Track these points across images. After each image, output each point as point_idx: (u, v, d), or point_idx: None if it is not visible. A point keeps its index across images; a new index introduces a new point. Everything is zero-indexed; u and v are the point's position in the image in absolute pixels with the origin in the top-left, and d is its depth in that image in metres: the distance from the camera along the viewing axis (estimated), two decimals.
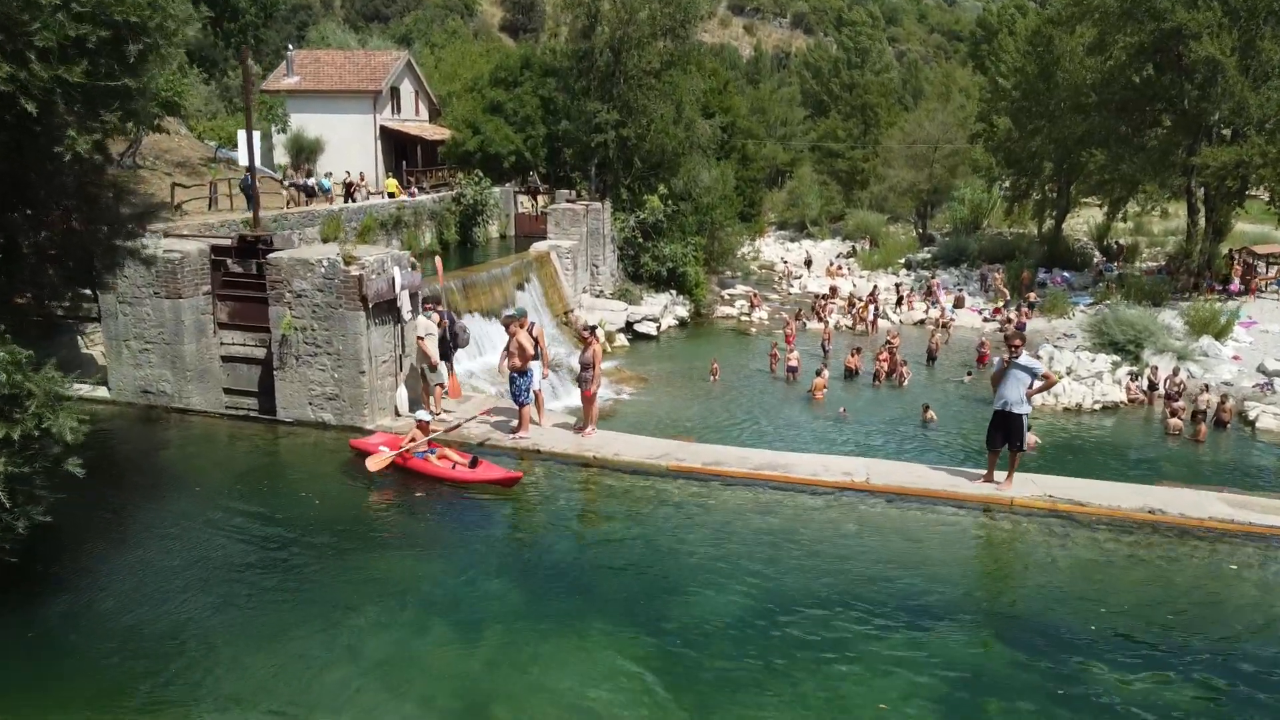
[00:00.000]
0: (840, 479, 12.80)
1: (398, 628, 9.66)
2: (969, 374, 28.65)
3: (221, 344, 15.79)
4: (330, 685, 8.72)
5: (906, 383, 27.44)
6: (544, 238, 31.70)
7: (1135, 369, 27.43)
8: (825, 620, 9.89)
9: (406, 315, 15.06)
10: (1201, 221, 34.94)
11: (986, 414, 26.28)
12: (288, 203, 28.52)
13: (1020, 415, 12.63)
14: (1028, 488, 12.58)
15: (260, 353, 15.44)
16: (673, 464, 13.30)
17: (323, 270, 14.35)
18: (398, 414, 15.11)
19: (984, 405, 26.20)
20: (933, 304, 35.48)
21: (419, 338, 14.98)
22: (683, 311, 34.60)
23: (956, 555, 11.53)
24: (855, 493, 12.64)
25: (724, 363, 29.31)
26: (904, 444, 22.11)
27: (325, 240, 26.66)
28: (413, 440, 13.17)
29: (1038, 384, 12.74)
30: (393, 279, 14.71)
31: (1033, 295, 34.85)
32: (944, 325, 33.77)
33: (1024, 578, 11.01)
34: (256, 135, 18.43)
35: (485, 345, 25.48)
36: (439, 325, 15.55)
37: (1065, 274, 38.04)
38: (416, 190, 34.56)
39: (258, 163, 18.52)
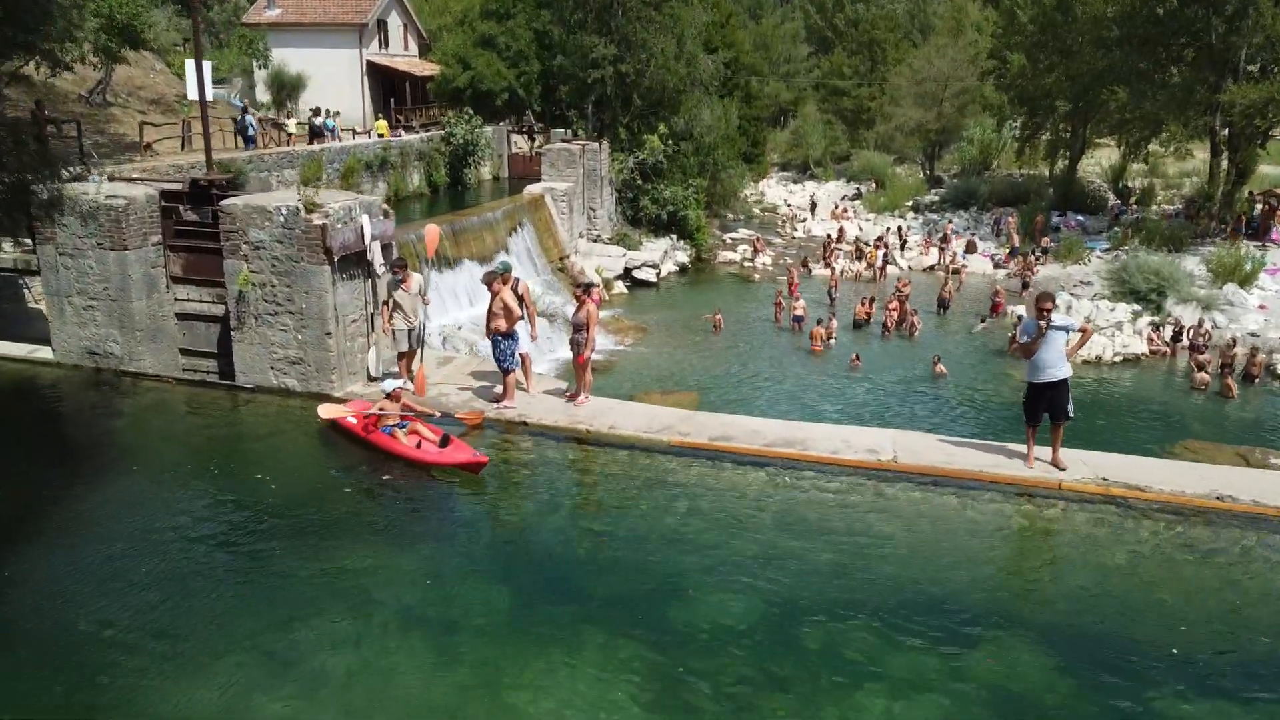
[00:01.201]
0: (863, 458, 11.15)
1: (362, 641, 8.10)
2: (982, 322, 26.96)
3: (176, 300, 14.03)
4: (279, 716, 7.20)
5: (918, 333, 25.78)
6: (538, 180, 29.78)
7: (1157, 319, 25.74)
8: (846, 631, 8.32)
9: (379, 269, 13.28)
10: (1225, 163, 32.91)
11: (1001, 367, 25.34)
12: (266, 143, 26.50)
13: (1065, 380, 11.00)
14: (1078, 469, 10.93)
15: (219, 310, 13.68)
16: (675, 439, 11.65)
17: (282, 219, 12.54)
18: (370, 379, 13.42)
19: (998, 357, 24.67)
20: (944, 250, 33.59)
21: (384, 302, 13.21)
22: (683, 257, 32.78)
23: (997, 551, 9.90)
24: (880, 473, 11.01)
25: (726, 312, 27.59)
26: (913, 400, 20.56)
27: (306, 184, 24.74)
28: (381, 411, 11.50)
29: (1074, 338, 11.11)
30: (361, 229, 12.90)
31: (1046, 240, 32.96)
32: (955, 271, 31.96)
33: (1075, 579, 9.34)
34: (208, 67, 16.44)
35: (476, 296, 23.80)
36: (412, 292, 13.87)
37: (1079, 218, 36.10)
38: (404, 130, 32.41)
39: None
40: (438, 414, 11.78)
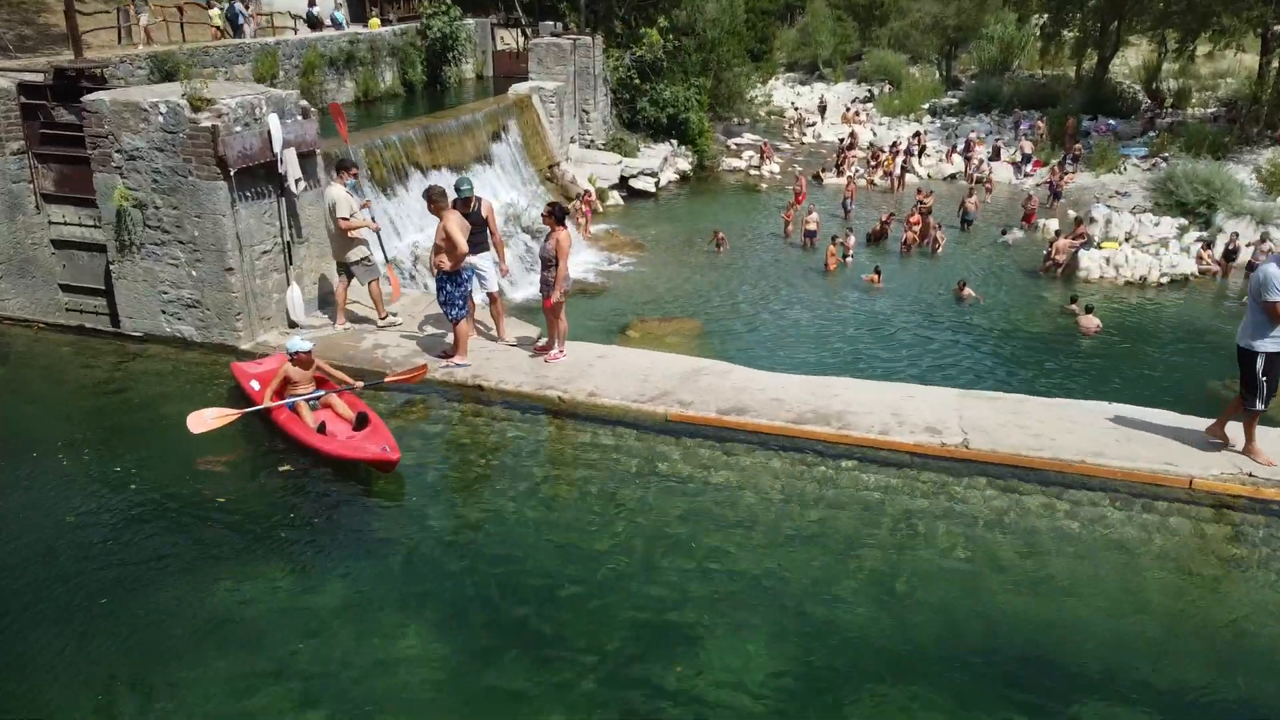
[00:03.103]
0: (921, 440, 8.09)
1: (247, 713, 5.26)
2: (1006, 234, 23.64)
3: (51, 223, 10.80)
4: None
5: (941, 249, 22.50)
6: (525, 78, 26.03)
7: (1205, 234, 22.43)
8: (901, 700, 5.47)
9: (295, 185, 10.02)
10: (1276, 61, 29.01)
11: (1034, 289, 21.92)
12: (215, 35, 22.75)
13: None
14: (1214, 459, 7.87)
15: (104, 236, 10.48)
16: (674, 413, 8.59)
17: (160, 119, 9.23)
18: (292, 325, 10.31)
19: (1028, 277, 21.37)
20: (969, 158, 29.86)
21: (341, 218, 10.06)
22: (684, 165, 29.14)
23: (1110, 585, 6.89)
24: (945, 461, 7.99)
25: (731, 225, 24.23)
26: (939, 328, 17.48)
27: (261, 81, 21.14)
28: (287, 383, 8.37)
29: None
30: (267, 133, 9.61)
31: (1078, 147, 29.28)
32: (979, 181, 28.42)
33: (1234, 638, 6.42)
34: None
35: None
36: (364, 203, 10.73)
37: (1110, 122, 32.24)
38: (380, 20, 28.39)
39: None
40: (359, 385, 8.64)
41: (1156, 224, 22.96)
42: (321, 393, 8.34)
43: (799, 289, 19.87)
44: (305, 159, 10.22)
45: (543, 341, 9.97)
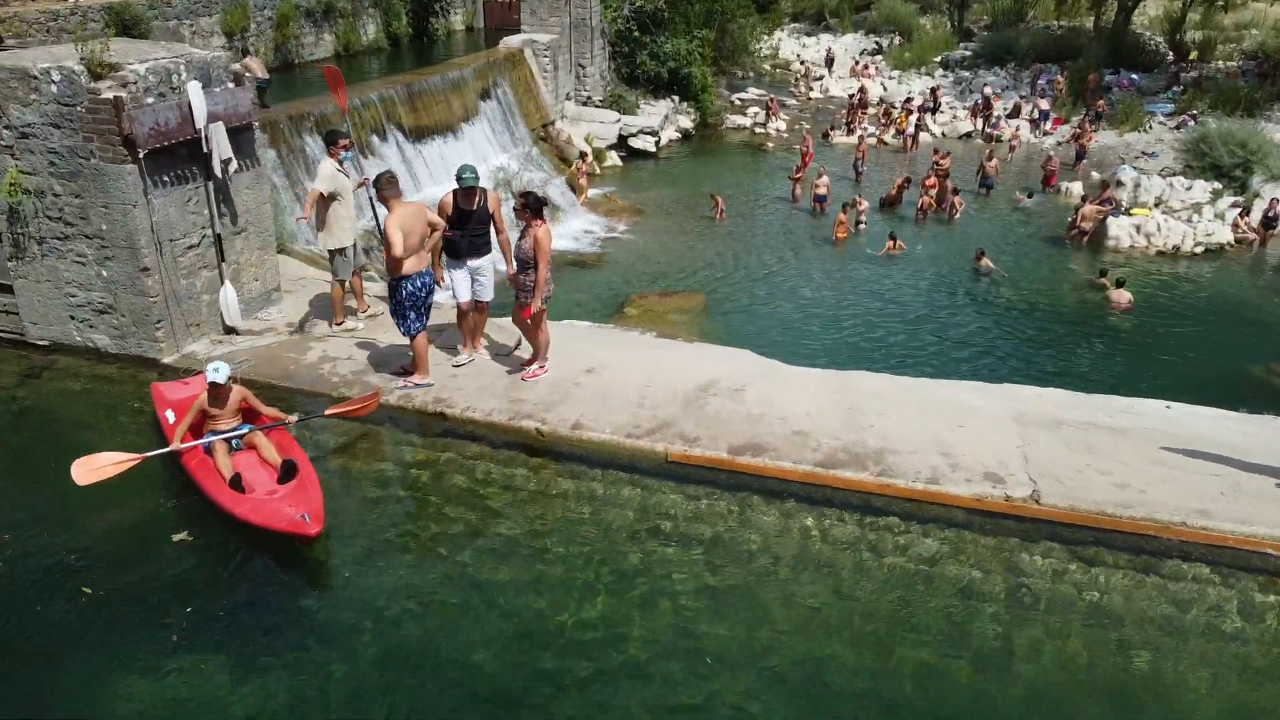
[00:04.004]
0: (980, 492, 6.40)
1: None
2: (1029, 196, 21.74)
3: None
4: None
5: (959, 215, 20.62)
6: (518, 30, 23.89)
7: (1242, 199, 20.51)
8: None
9: (225, 166, 8.19)
10: None
11: (1058, 258, 19.92)
12: None
13: None
14: None
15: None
16: (677, 452, 6.90)
17: (54, 89, 7.41)
18: (228, 331, 8.58)
19: (1051, 245, 19.52)
20: (986, 118, 27.68)
21: (321, 194, 8.30)
22: (687, 122, 27.06)
23: (1226, 692, 5.30)
24: (1011, 520, 6.33)
25: (736, 188, 22.37)
26: (957, 305, 15.79)
27: (231, 36, 19.12)
28: (204, 417, 6.66)
29: None
30: (187, 105, 7.79)
31: (1101, 104, 27.14)
32: (996, 139, 26.40)
33: None
34: None
35: (441, 171, 18.62)
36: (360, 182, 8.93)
37: (1133, 76, 30.04)
38: None
39: None
40: (292, 419, 6.90)
41: (1189, 188, 21.05)
42: (246, 429, 6.64)
43: (809, 259, 18.12)
44: (239, 134, 8.39)
45: (517, 348, 8.25)
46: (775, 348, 12.99)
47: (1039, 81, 30.06)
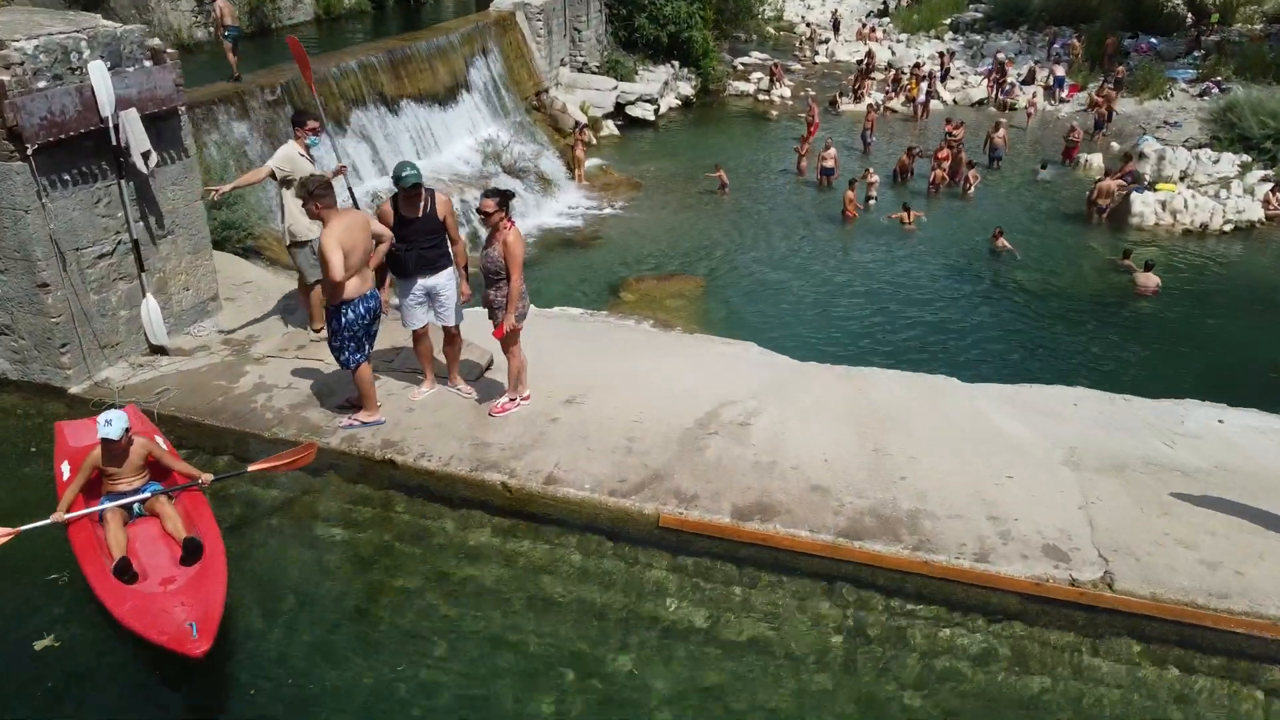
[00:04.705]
0: (1043, 573, 5.13)
1: None
2: (1043, 167, 20.28)
3: None
4: None
5: (973, 189, 19.19)
6: None
7: (1272, 173, 19.02)
8: None
9: (143, 160, 6.81)
10: None
11: (1079, 236, 18.32)
12: None
13: None
14: None
15: None
16: (671, 515, 5.60)
17: None
18: (154, 350, 7.26)
19: (1072, 223, 18.10)
20: (1000, 85, 26.00)
21: (273, 175, 6.98)
22: (687, 89, 25.45)
23: None
24: (1078, 610, 5.06)
25: (739, 160, 20.93)
26: (975, 290, 14.53)
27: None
28: (101, 477, 5.37)
29: None
30: (90, 89, 6.39)
31: (1121, 69, 25.47)
32: (1011, 107, 24.82)
33: None
34: None
35: (428, 143, 17.21)
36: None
37: (1152, 40, 28.28)
38: None
39: None
40: (207, 479, 5.58)
41: (1216, 161, 19.54)
42: (150, 491, 5.34)
43: (815, 239, 16.78)
44: (161, 122, 7.00)
45: (485, 367, 6.93)
46: (780, 336, 11.78)
47: (1054, 46, 28.31)
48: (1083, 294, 14.68)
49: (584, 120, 20.86)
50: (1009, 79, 25.81)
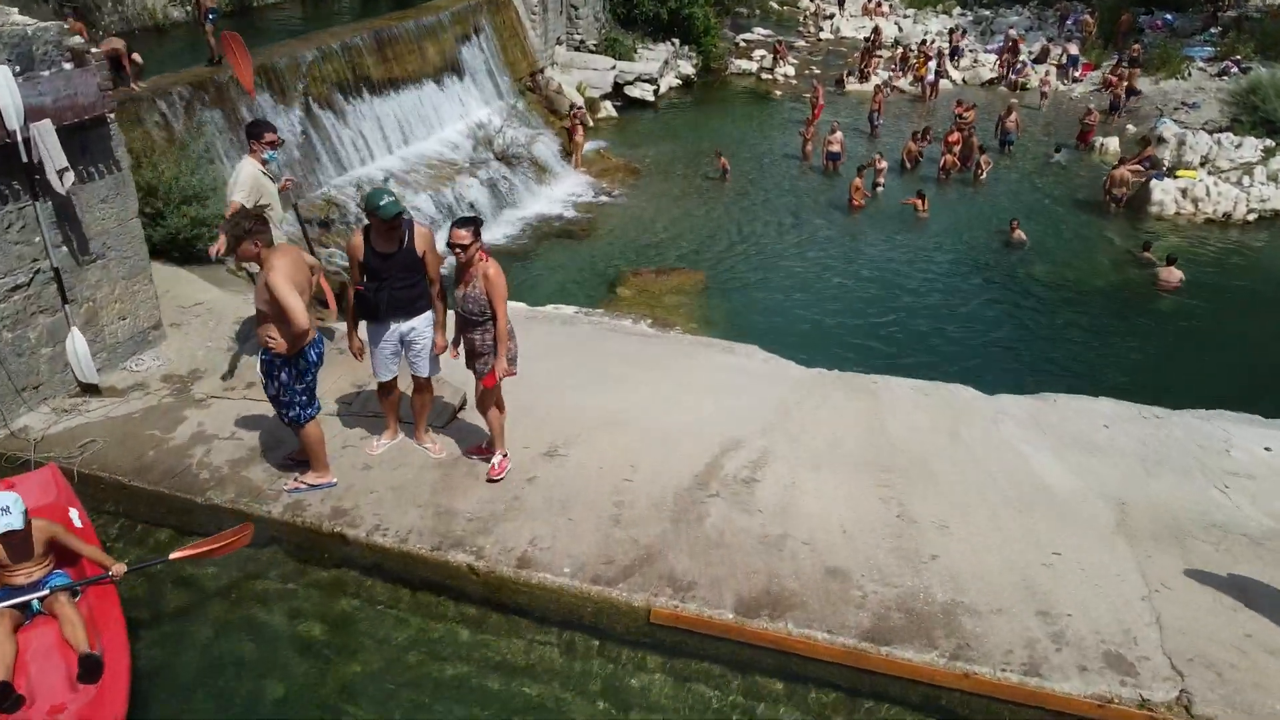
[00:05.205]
0: (1107, 691, 4.24)
1: None
2: (1056, 151, 19.22)
3: None
4: None
5: (985, 175, 18.15)
6: None
7: None
8: None
9: (59, 178, 5.83)
10: None
11: (1096, 225, 16.71)
12: None
13: None
14: None
15: None
16: (664, 609, 4.70)
17: None
18: (85, 390, 6.33)
19: (1088, 213, 17.03)
20: (1013, 66, 24.77)
21: (231, 201, 6.02)
22: (688, 68, 24.28)
23: None
24: None
25: (741, 143, 19.89)
26: (989, 286, 13.60)
27: None
28: (20, 575, 4.45)
29: None
30: None
31: (1136, 47, 24.25)
32: (1023, 87, 23.64)
33: None
34: None
35: (415, 129, 16.19)
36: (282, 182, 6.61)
37: (1167, 16, 27.02)
38: None
39: None
40: (119, 570, 4.63)
41: (1238, 145, 18.46)
42: (52, 586, 4.45)
43: (821, 230, 15.81)
44: (84, 133, 6.01)
45: (459, 406, 6.00)
46: (783, 336, 10.91)
47: (1066, 22, 27.04)
48: (1102, 289, 13.79)
49: (580, 102, 19.75)
50: (1020, 57, 24.58)
